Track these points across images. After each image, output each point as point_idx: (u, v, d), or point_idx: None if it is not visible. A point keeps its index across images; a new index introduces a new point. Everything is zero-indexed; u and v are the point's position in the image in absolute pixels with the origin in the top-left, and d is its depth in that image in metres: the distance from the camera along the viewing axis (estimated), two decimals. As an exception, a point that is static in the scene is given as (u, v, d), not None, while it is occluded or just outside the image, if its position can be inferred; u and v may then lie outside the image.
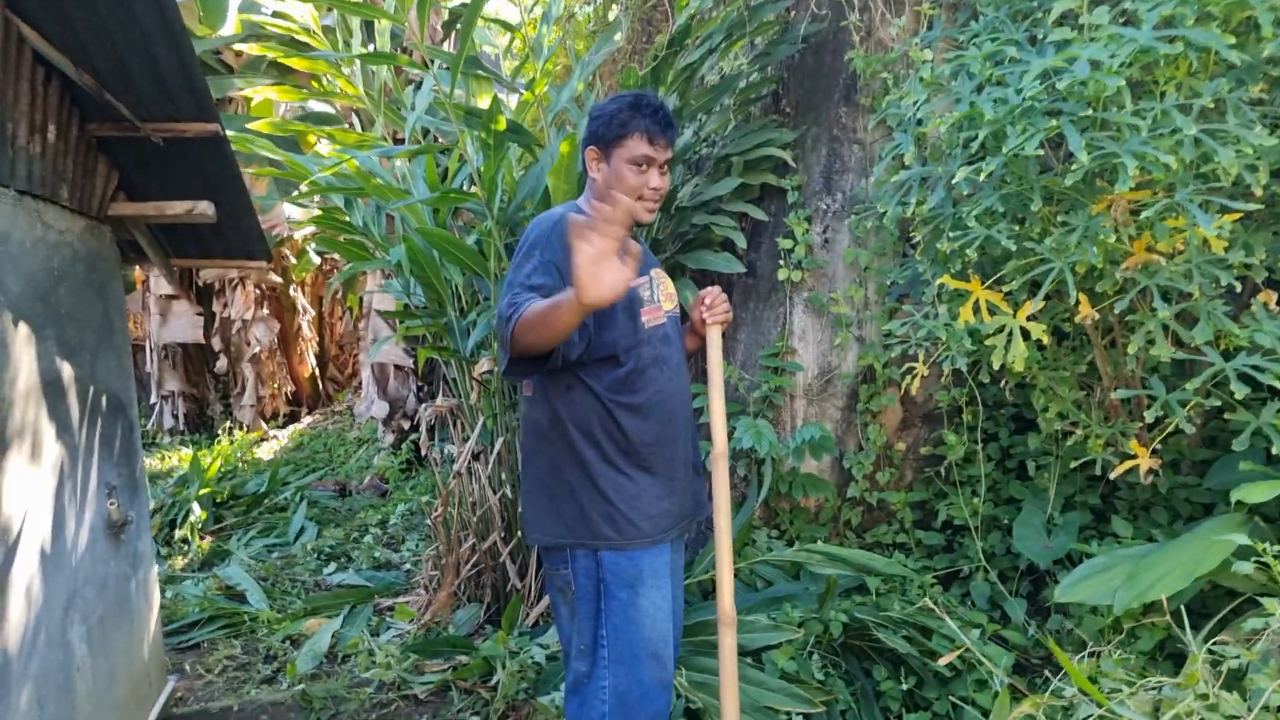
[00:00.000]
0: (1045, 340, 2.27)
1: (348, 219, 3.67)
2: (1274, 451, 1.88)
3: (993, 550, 2.88)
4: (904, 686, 2.30)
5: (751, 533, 3.29)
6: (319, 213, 3.74)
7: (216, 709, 2.90)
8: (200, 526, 5.44)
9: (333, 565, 4.80)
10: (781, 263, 3.37)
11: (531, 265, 1.75)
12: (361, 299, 7.28)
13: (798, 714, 2.21)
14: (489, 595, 3.53)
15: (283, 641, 3.78)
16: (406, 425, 6.79)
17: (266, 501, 6.05)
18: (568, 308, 1.48)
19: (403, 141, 4.52)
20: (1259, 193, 1.99)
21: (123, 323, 2.88)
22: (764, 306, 3.54)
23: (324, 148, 5.40)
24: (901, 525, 3.22)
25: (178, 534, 5.32)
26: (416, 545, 4.90)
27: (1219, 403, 2.04)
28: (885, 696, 2.34)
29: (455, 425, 3.81)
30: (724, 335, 3.67)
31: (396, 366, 6.69)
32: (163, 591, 4.49)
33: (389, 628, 3.75)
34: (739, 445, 3.01)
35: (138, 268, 8.23)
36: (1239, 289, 1.98)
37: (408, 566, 4.63)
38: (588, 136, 1.94)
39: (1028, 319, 2.31)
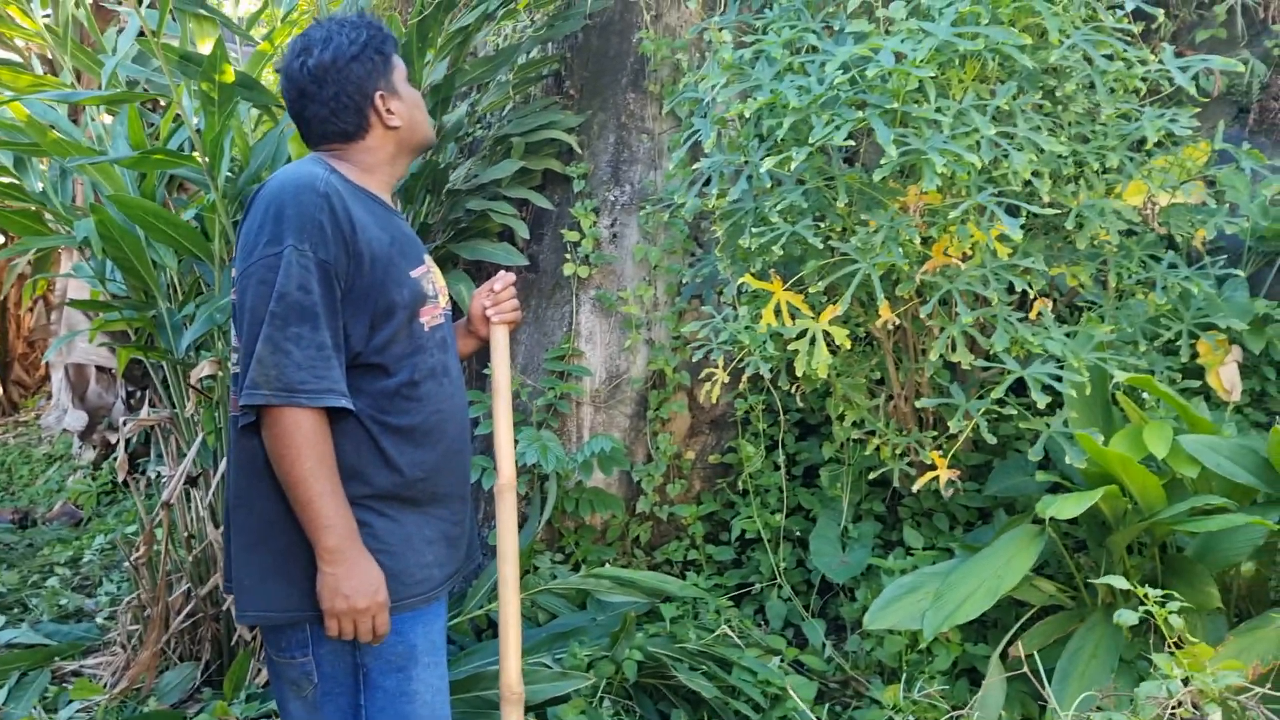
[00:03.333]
0: (847, 345, 2.15)
1: (17, 182, 2.87)
2: (1068, 461, 1.86)
3: (783, 565, 2.77)
4: (706, 730, 2.08)
5: (533, 558, 2.96)
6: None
7: None
8: None
9: (1, 619, 3.82)
10: (568, 256, 3.07)
11: (299, 270, 1.31)
12: (52, 286, 6.05)
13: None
14: (208, 651, 2.89)
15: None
16: (112, 439, 5.70)
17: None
18: (313, 523, 1.32)
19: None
20: (1047, 199, 1.99)
21: None
22: (548, 304, 3.22)
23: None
24: (692, 541, 3.04)
25: None
26: (118, 587, 4.04)
27: (1014, 411, 2.01)
28: (685, 741, 2.11)
29: (168, 442, 3.11)
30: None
31: (99, 368, 5.59)
32: None
33: (71, 701, 2.98)
34: (521, 461, 2.67)
35: None
36: (1031, 295, 1.95)
37: (102, 617, 3.79)
38: (362, 79, 1.47)
39: (830, 322, 2.19)
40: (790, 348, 2.20)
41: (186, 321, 2.85)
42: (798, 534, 2.84)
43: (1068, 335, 1.94)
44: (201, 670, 2.86)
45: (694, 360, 3.08)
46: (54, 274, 5.23)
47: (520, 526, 3.08)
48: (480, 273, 3.31)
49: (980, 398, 2.09)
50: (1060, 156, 1.99)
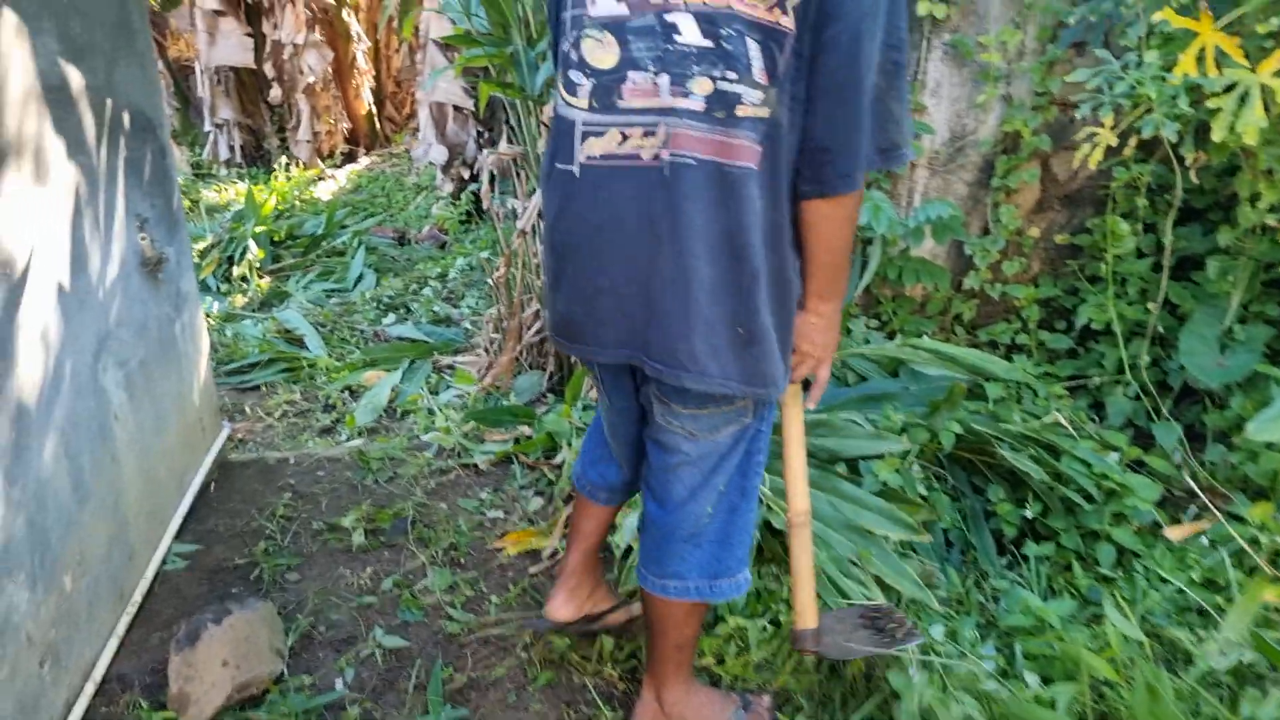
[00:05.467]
0: (1294, 107, 1.72)
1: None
2: None
3: (1134, 361, 2.49)
4: (1028, 513, 2.02)
5: (848, 320, 2.94)
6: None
7: (274, 459, 2.81)
8: (258, 265, 5.30)
9: (392, 316, 4.65)
10: (926, -7, 2.71)
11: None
12: (418, 28, 6.60)
13: (896, 538, 1.97)
14: (551, 364, 3.30)
15: (341, 391, 3.69)
16: (466, 174, 6.38)
17: (324, 244, 5.86)
18: (839, 277, 1.29)
19: None
20: None
21: (144, 25, 2.44)
22: (893, 52, 2.92)
23: None
24: (1024, 324, 2.83)
25: (236, 271, 5.19)
26: (476, 303, 4.69)
27: None
28: (999, 519, 2.08)
29: (519, 176, 3.40)
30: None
31: (456, 107, 6.16)
32: (222, 329, 4.41)
33: (449, 387, 3.61)
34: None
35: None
36: None
37: (467, 324, 4.44)
38: None
39: (1273, 74, 1.75)
40: (1210, 104, 1.81)
41: (540, 59, 2.98)
42: (1159, 330, 2.52)
43: None
44: (546, 379, 3.30)
45: (1054, 121, 2.70)
46: (420, 15, 5.67)
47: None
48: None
49: None
50: None
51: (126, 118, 2.25)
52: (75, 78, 1.96)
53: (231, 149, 8.14)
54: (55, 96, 1.85)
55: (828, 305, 1.31)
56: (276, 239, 5.74)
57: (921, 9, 2.71)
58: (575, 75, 1.21)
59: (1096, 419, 2.51)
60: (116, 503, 1.98)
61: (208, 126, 8.13)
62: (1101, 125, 2.04)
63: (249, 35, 7.71)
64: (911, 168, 2.91)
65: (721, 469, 1.42)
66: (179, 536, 2.32)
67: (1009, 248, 2.87)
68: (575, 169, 1.23)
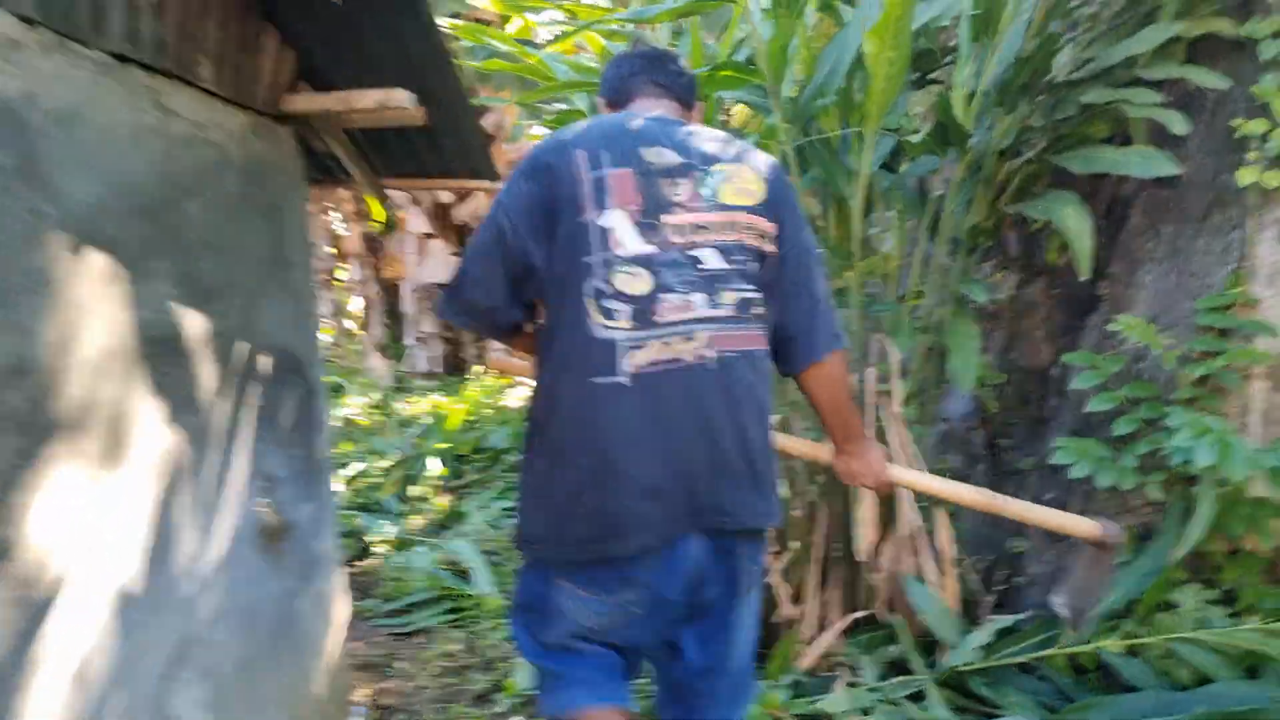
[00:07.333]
0: None
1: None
2: None
3: None
4: None
5: (1169, 590, 2.08)
6: (554, 117, 2.95)
7: (404, 761, 2.26)
8: (439, 483, 5.08)
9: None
10: (1253, 154, 2.02)
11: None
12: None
13: None
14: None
15: (505, 640, 3.18)
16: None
17: (507, 458, 5.62)
18: (857, 416, 1.70)
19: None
20: None
21: (303, 257, 2.23)
22: (1197, 231, 2.22)
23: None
24: None
25: (414, 491, 4.99)
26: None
27: None
28: None
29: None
30: (1119, 279, 2.41)
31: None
32: (391, 558, 4.10)
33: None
34: (1187, 459, 1.80)
35: (399, 210, 8.21)
36: None
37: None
38: None
39: None
40: None
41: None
42: None
43: None
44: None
45: None
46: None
47: (1139, 539, 2.22)
48: (1096, 192, 2.44)
49: None
50: None
51: (267, 361, 1.98)
52: (194, 324, 1.68)
53: (430, 360, 8.43)
54: (159, 348, 1.56)
55: (853, 444, 1.64)
56: (460, 454, 5.57)
57: (1244, 178, 2.03)
58: (612, 304, 1.39)
59: None
60: None
61: (410, 340, 8.51)
62: None
63: (455, 255, 8.14)
64: (1245, 379, 2.11)
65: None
66: None
67: None
68: (624, 379, 1.38)
